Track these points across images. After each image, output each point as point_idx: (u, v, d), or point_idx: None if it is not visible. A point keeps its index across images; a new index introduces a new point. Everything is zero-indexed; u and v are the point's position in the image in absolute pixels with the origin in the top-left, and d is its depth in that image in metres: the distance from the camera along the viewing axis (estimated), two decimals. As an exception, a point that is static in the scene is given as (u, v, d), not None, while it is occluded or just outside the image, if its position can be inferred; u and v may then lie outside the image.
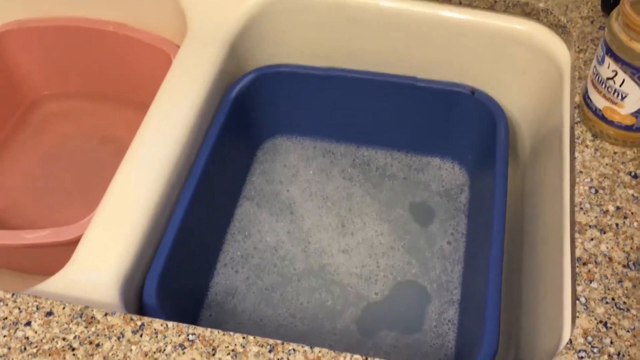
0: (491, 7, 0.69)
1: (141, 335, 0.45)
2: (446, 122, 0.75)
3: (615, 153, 0.55)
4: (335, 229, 0.72)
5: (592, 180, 0.52)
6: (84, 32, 0.81)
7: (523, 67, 0.70)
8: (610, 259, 0.48)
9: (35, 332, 0.45)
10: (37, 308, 0.46)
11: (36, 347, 0.44)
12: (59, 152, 0.84)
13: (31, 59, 0.84)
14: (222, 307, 0.66)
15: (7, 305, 0.47)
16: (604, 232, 0.49)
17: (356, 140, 0.80)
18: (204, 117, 0.67)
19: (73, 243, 0.61)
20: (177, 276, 0.60)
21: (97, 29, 0.81)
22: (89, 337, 0.45)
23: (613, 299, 0.46)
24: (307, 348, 0.44)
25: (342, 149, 0.80)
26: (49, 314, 0.46)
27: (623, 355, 0.43)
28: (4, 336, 0.45)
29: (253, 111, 0.76)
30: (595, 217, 0.50)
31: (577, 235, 0.49)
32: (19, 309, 0.46)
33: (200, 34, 0.72)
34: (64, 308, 0.46)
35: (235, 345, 0.44)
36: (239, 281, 0.68)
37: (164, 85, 0.67)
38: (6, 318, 0.46)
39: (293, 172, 0.77)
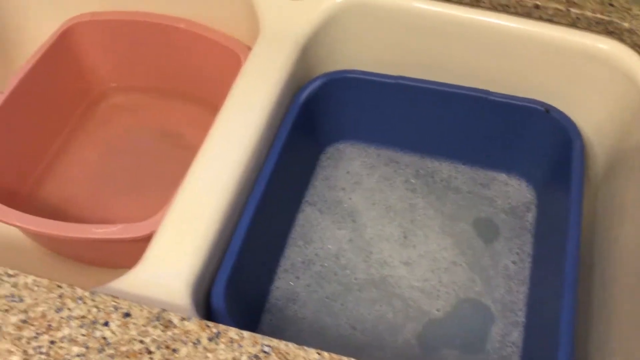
0: (572, 24, 0.67)
1: (217, 343, 0.45)
2: (516, 137, 0.73)
3: None
4: (397, 240, 0.71)
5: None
6: (155, 28, 0.82)
7: (602, 86, 0.68)
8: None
9: (113, 333, 0.45)
10: (115, 308, 0.47)
11: (114, 348, 0.44)
12: (121, 144, 0.85)
13: (100, 51, 0.85)
14: (283, 312, 0.66)
15: (85, 303, 0.47)
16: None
17: (420, 150, 0.79)
18: (274, 120, 0.67)
19: (142, 240, 0.62)
20: (242, 279, 0.60)
21: (168, 25, 0.81)
22: (166, 342, 0.45)
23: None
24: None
25: (406, 158, 0.79)
26: (127, 315, 0.46)
27: None
28: (83, 335, 0.45)
29: (319, 116, 0.76)
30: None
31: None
32: (98, 308, 0.47)
33: (273, 35, 0.71)
34: (141, 310, 0.47)
35: (311, 360, 0.44)
36: (300, 287, 0.68)
37: (235, 86, 0.67)
38: (85, 317, 0.46)
39: (356, 180, 0.77)
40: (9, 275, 0.48)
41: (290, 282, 0.68)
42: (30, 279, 0.48)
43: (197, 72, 0.84)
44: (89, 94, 0.88)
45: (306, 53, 0.72)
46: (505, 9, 0.68)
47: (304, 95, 0.72)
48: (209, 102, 0.86)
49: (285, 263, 0.70)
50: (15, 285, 0.47)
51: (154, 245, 0.56)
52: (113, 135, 0.85)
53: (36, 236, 0.71)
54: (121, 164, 0.83)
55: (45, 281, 0.48)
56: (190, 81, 0.86)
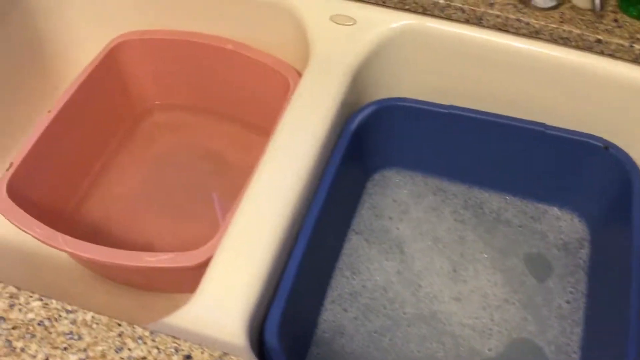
0: (635, 60, 0.66)
1: (280, 391, 0.44)
2: (571, 172, 0.71)
3: None
4: (447, 274, 0.70)
5: None
6: (201, 48, 0.81)
7: (664, 124, 0.67)
8: None
9: (174, 376, 0.44)
10: (176, 350, 0.46)
11: (176, 392, 0.44)
12: (163, 164, 0.84)
13: (146, 69, 0.84)
14: (330, 346, 0.65)
15: (145, 343, 0.46)
16: None
17: (469, 180, 0.77)
18: (326, 147, 0.66)
19: (193, 269, 0.61)
20: (293, 312, 0.59)
21: (215, 46, 0.80)
22: (228, 388, 0.44)
23: None
24: None
25: (453, 187, 0.77)
26: (188, 357, 0.45)
27: None
28: (143, 377, 0.44)
29: (367, 142, 0.74)
30: None
31: None
32: (158, 349, 0.46)
33: (324, 61, 0.70)
34: (202, 352, 0.45)
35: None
36: (347, 320, 0.67)
37: (288, 113, 0.66)
38: (145, 358, 0.45)
39: (403, 209, 0.75)
40: (68, 311, 0.47)
41: (338, 314, 0.67)
42: (89, 316, 0.47)
43: (243, 93, 0.83)
44: (133, 111, 0.87)
45: (357, 80, 0.71)
46: (565, 42, 0.67)
47: (356, 122, 0.71)
48: (252, 124, 0.85)
49: (332, 294, 0.69)
50: (74, 322, 0.47)
51: (209, 277, 0.55)
52: (155, 154, 0.85)
53: (83, 260, 0.71)
54: (163, 184, 0.82)
55: (104, 318, 0.47)
56: (235, 102, 0.85)
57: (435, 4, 0.69)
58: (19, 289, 0.49)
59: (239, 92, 0.83)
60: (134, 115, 0.88)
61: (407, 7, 0.71)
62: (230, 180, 0.82)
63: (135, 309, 0.72)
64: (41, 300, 0.48)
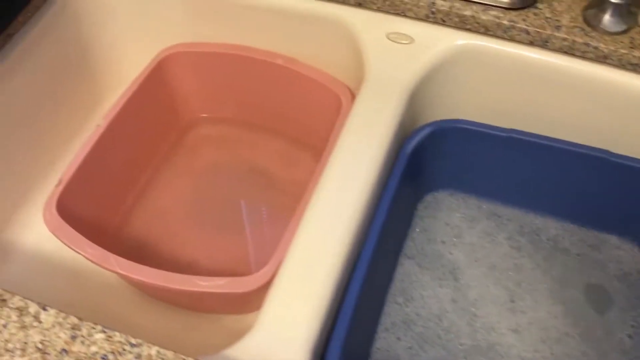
0: None
1: None
2: (633, 200, 0.69)
3: None
4: (504, 303, 0.68)
5: None
6: (250, 62, 0.80)
7: None
8: None
9: (244, 418, 0.43)
10: (244, 390, 0.44)
11: None
12: (209, 178, 0.83)
13: (193, 82, 0.83)
14: (385, 376, 0.63)
15: (212, 381, 0.45)
16: None
17: (525, 205, 0.75)
18: (383, 170, 0.64)
19: (248, 294, 0.60)
20: (352, 341, 0.57)
21: (265, 60, 0.79)
22: None
23: None
24: None
25: (508, 212, 0.75)
26: (257, 398, 0.44)
27: None
28: (211, 417, 0.43)
29: (421, 164, 0.72)
30: None
31: None
32: (225, 387, 0.44)
33: (380, 80, 0.68)
34: (271, 393, 0.44)
35: None
36: (402, 350, 0.65)
37: (344, 133, 0.64)
38: (212, 397, 0.44)
39: (456, 233, 0.73)
40: (132, 345, 0.46)
41: (392, 343, 0.65)
42: (154, 350, 0.46)
43: (291, 109, 0.81)
44: (179, 124, 0.86)
45: (413, 100, 0.69)
46: (635, 69, 0.64)
47: (412, 144, 0.69)
48: (299, 140, 0.84)
49: (385, 321, 0.67)
50: (139, 357, 0.45)
51: (270, 307, 0.53)
52: (201, 168, 0.83)
53: (135, 281, 0.69)
54: (208, 198, 0.81)
55: (170, 354, 0.46)
56: (283, 118, 0.83)
57: (499, 25, 0.67)
58: (81, 319, 0.47)
59: (288, 108, 0.82)
60: (180, 128, 0.86)
61: (468, 26, 0.68)
62: (277, 197, 0.80)
63: (181, 330, 0.70)
64: (104, 332, 0.46)
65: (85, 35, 0.81)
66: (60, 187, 0.66)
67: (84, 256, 0.61)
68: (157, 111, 0.81)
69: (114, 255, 0.61)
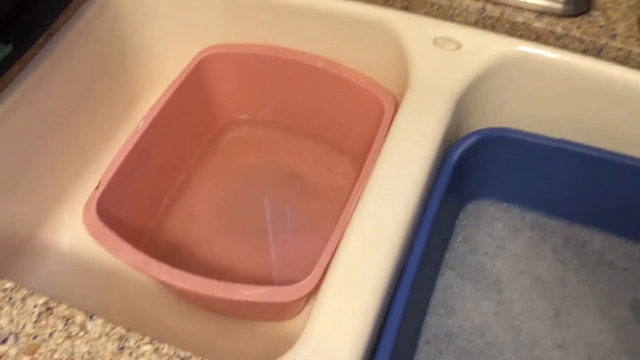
0: None
1: None
2: (685, 215, 0.67)
3: None
4: (549, 318, 0.66)
5: None
6: (290, 64, 0.78)
7: None
8: None
9: None
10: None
11: None
12: (244, 181, 0.82)
13: (231, 83, 0.82)
14: (427, 391, 0.62)
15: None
16: None
17: (570, 217, 0.73)
18: (429, 179, 0.62)
19: (288, 303, 0.59)
20: (396, 354, 0.56)
21: (305, 63, 0.77)
22: None
23: None
24: None
25: (552, 223, 0.73)
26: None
27: None
28: None
29: (465, 172, 0.71)
30: None
31: None
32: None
33: (426, 86, 0.67)
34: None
35: None
36: (444, 364, 0.63)
37: (389, 140, 0.63)
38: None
39: (499, 244, 0.72)
40: (181, 358, 0.45)
41: (433, 356, 0.64)
42: (203, 365, 0.45)
43: (331, 113, 0.80)
44: (215, 125, 0.85)
45: (459, 107, 0.68)
46: (694, 79, 0.62)
47: (458, 153, 0.67)
48: (339, 146, 0.82)
49: (427, 333, 0.65)
50: (188, 371, 0.44)
51: (315, 320, 0.52)
52: (237, 171, 0.82)
53: (176, 288, 0.68)
54: (244, 202, 0.80)
55: (220, 369, 0.44)
56: (322, 122, 0.82)
57: (552, 32, 0.65)
58: (128, 329, 0.46)
59: (327, 112, 0.80)
60: (216, 130, 0.85)
61: (519, 33, 0.67)
62: (314, 202, 0.79)
63: (217, 335, 0.69)
64: (152, 344, 0.45)
65: (124, 35, 0.80)
66: (100, 190, 0.65)
67: (124, 261, 0.61)
68: (195, 113, 0.80)
69: (155, 261, 0.60)
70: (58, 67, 0.71)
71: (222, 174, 0.82)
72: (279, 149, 0.84)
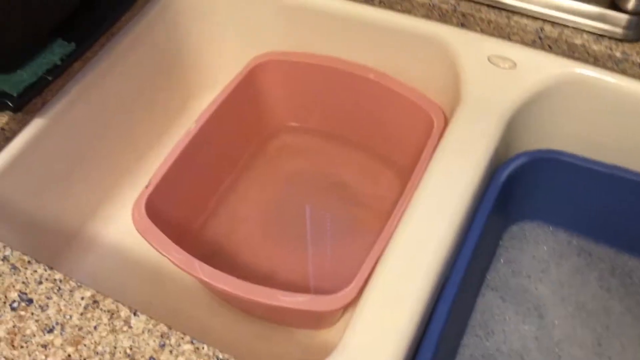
0: None
1: None
2: None
3: None
4: (591, 347, 0.65)
5: None
6: (341, 74, 0.79)
7: None
8: None
9: None
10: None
11: None
12: (289, 188, 0.82)
13: (281, 90, 0.83)
14: (461, 412, 0.61)
15: (298, 407, 0.44)
16: None
17: (617, 244, 0.72)
18: (476, 198, 0.62)
19: (326, 313, 0.59)
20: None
21: (356, 74, 0.78)
22: None
23: None
24: None
25: (599, 250, 0.72)
26: None
27: None
28: None
29: (511, 193, 0.70)
30: None
31: None
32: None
33: (477, 104, 0.66)
34: None
35: None
36: (480, 385, 0.63)
37: (437, 156, 0.62)
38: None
39: (543, 268, 0.70)
40: (219, 359, 0.45)
41: (469, 376, 0.63)
42: (241, 368, 0.45)
43: (379, 125, 0.80)
44: (263, 131, 0.86)
45: (510, 127, 0.67)
46: None
47: (506, 173, 0.66)
48: (385, 157, 0.82)
49: (464, 353, 0.65)
50: (226, 374, 0.45)
51: (353, 332, 0.52)
52: (282, 178, 0.83)
53: (217, 289, 0.70)
54: (288, 209, 0.80)
55: (257, 374, 0.45)
56: (369, 133, 0.82)
57: (610, 56, 0.63)
58: (169, 327, 0.47)
59: (374, 123, 0.81)
60: (264, 136, 0.86)
61: (576, 55, 0.66)
62: (357, 212, 0.79)
63: (254, 338, 0.70)
64: (192, 343, 0.46)
65: (181, 37, 0.82)
66: (150, 189, 0.67)
67: (169, 259, 0.62)
68: (245, 118, 0.81)
69: (199, 261, 0.61)
70: (116, 66, 0.73)
71: (268, 179, 0.83)
72: (325, 157, 0.85)
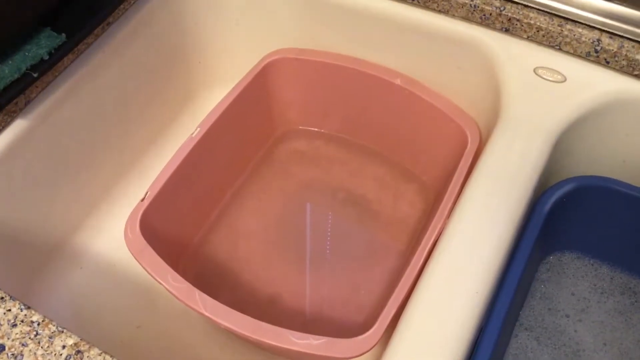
0: None
1: None
2: None
3: None
4: (637, 401, 0.57)
5: None
6: (362, 76, 0.71)
7: None
8: None
9: None
10: None
11: None
12: (298, 200, 0.74)
13: (295, 90, 0.75)
14: None
15: None
16: None
17: (666, 283, 0.64)
18: (518, 231, 0.54)
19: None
20: None
21: (380, 77, 0.70)
22: None
23: None
24: None
25: (645, 288, 0.64)
26: None
27: None
28: None
29: (553, 221, 0.62)
30: None
31: None
32: None
33: (521, 121, 0.59)
34: None
35: None
36: None
37: (476, 178, 0.55)
38: None
39: (583, 306, 0.63)
40: None
41: None
42: None
43: (403, 136, 0.72)
44: (272, 135, 0.78)
45: (556, 149, 0.59)
46: None
47: (551, 201, 0.59)
48: (407, 172, 0.74)
49: (494, 403, 0.57)
50: None
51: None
52: (291, 188, 0.75)
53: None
54: (296, 224, 0.73)
55: None
56: (391, 143, 0.74)
57: (677, 76, 0.56)
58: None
59: (398, 134, 0.73)
60: (273, 139, 0.78)
61: (635, 72, 0.58)
62: (375, 232, 0.72)
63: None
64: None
65: (186, 28, 0.74)
66: (146, 202, 0.59)
67: (166, 288, 0.54)
68: (253, 121, 0.73)
69: (200, 292, 0.53)
70: (113, 60, 0.65)
71: (275, 190, 0.75)
72: (340, 166, 0.76)
